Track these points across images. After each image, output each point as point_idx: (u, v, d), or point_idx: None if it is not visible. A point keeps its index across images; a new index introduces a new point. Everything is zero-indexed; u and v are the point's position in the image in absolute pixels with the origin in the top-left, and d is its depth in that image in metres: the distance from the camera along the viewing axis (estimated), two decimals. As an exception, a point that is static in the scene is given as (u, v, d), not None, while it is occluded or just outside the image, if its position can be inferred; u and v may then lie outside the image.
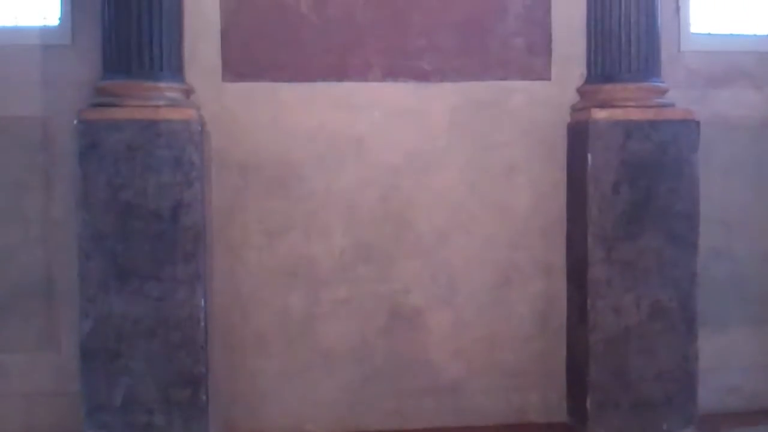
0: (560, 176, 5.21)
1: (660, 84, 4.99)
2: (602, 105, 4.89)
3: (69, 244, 4.65)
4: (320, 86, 5.04)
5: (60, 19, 4.95)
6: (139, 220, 4.45)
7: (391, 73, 5.10)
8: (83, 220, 4.44)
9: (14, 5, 5.01)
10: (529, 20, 5.15)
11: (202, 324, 4.52)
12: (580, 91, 5.12)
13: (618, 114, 4.86)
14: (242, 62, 4.97)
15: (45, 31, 4.96)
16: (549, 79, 5.20)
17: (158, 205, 4.47)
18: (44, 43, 4.93)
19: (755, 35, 5.55)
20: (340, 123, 5.07)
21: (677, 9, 5.34)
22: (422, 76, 5.11)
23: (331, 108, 5.06)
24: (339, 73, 5.06)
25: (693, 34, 5.43)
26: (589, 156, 4.86)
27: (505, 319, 5.25)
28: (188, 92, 4.73)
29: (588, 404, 4.92)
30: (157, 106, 4.49)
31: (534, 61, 5.19)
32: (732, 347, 5.47)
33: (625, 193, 4.86)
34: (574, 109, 5.13)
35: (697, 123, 4.92)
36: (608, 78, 4.95)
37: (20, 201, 4.94)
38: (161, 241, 4.47)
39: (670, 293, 4.91)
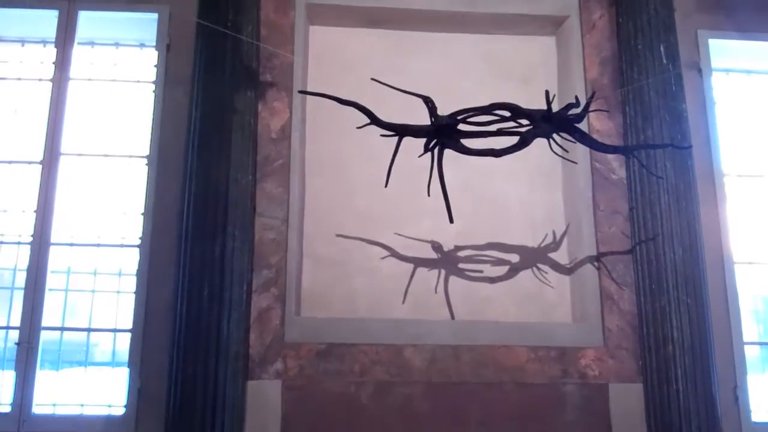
0: None
1: (726, 479, 4.88)
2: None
3: None
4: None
5: (125, 407, 5.06)
6: None
7: (451, 467, 5.01)
8: None
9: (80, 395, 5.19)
10: (587, 410, 5.12)
11: None
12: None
13: None
14: (303, 455, 4.95)
15: (109, 420, 5.07)
16: (611, 464, 5.09)
17: None
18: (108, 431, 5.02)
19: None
20: None
21: (736, 399, 5.33)
22: (483, 471, 5.02)
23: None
24: (398, 472, 4.99)
25: (754, 423, 5.37)
26: None
27: None
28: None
29: None
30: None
31: (596, 451, 5.10)
32: None
33: None
34: None
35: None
36: (672, 469, 4.86)
37: None
38: None
39: None
